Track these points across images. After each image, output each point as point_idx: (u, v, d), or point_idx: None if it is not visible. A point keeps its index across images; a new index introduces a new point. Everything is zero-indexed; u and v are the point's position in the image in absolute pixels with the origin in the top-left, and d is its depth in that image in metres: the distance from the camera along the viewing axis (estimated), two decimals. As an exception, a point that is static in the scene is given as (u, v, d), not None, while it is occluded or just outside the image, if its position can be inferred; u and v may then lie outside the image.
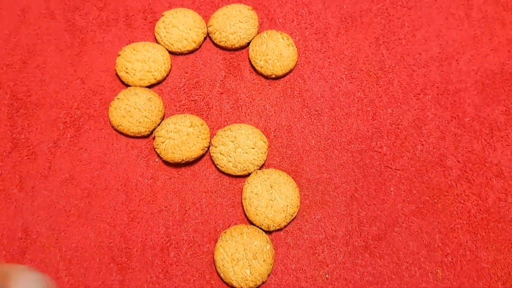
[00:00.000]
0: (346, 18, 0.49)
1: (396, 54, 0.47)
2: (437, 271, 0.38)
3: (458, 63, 0.46)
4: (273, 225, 0.40)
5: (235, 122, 0.44)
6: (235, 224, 0.40)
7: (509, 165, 0.42)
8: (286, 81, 0.46)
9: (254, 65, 0.46)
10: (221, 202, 0.41)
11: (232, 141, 0.42)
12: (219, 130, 0.43)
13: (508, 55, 0.46)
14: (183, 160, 0.42)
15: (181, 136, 0.42)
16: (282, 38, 0.47)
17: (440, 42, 0.47)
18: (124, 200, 0.42)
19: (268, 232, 0.40)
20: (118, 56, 0.47)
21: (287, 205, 0.40)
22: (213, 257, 0.39)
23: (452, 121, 0.44)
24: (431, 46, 0.47)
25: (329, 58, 0.47)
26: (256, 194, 0.40)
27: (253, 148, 0.42)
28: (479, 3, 0.49)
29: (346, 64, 0.47)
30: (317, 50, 0.48)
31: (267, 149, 0.43)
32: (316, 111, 0.45)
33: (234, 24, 0.47)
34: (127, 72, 0.46)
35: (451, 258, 0.39)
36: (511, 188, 0.41)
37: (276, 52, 0.46)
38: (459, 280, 0.38)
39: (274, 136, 0.44)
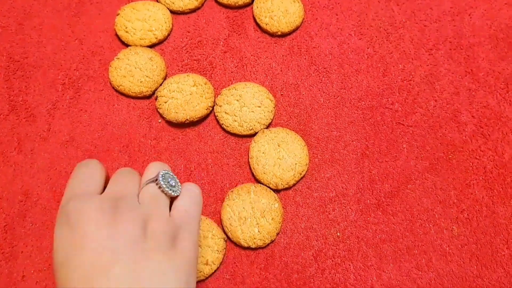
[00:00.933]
0: (354, -27, 0.47)
1: (406, 9, 0.45)
2: (452, 228, 0.37)
3: (471, 18, 0.44)
4: (281, 184, 0.38)
5: (240, 81, 0.43)
6: (242, 183, 0.39)
7: (526, 119, 0.40)
8: (293, 39, 0.45)
9: (259, 22, 0.44)
10: (228, 162, 0.40)
11: (237, 100, 0.41)
12: (224, 89, 0.42)
13: None
14: (187, 119, 0.40)
15: (184, 96, 0.41)
16: (288, -6, 0.45)
17: (452, -4, 0.45)
18: (127, 161, 0.40)
19: (277, 190, 0.39)
20: (117, 15, 0.45)
21: (296, 164, 0.39)
22: (220, 217, 0.38)
23: (466, 76, 0.42)
24: (443, 1, 0.45)
25: (337, 15, 0.45)
26: (263, 153, 0.39)
27: (259, 107, 0.40)
28: (492, -44, 0.47)
29: (355, 20, 0.45)
30: (324, 6, 0.46)
31: (274, 107, 0.41)
32: (324, 68, 0.43)
33: (237, -20, 0.45)
34: (126, 32, 0.44)
35: (467, 214, 0.37)
36: (529, 143, 0.39)
37: (281, 8, 0.44)
38: (476, 236, 0.37)
39: (281, 94, 0.42)
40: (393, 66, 0.43)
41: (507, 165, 0.39)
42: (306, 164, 0.39)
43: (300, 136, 0.40)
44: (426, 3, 0.45)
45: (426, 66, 0.43)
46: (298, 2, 0.45)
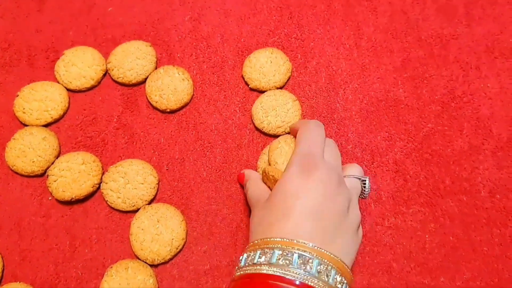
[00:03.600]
0: (243, 51, 0.51)
1: (287, 87, 0.49)
2: None
3: (345, 92, 0.49)
4: (157, 259, 0.41)
5: (129, 157, 0.46)
6: (123, 259, 0.42)
7: (388, 189, 0.44)
8: (182, 115, 0.48)
9: (150, 100, 0.48)
10: (111, 238, 0.43)
11: (122, 177, 0.44)
12: (111, 166, 0.45)
13: (394, 82, 0.49)
14: (72, 198, 0.43)
15: (73, 174, 0.44)
16: (178, 73, 0.49)
17: (329, 73, 0.50)
18: (17, 239, 0.43)
19: (154, 265, 0.41)
20: (16, 96, 0.48)
21: (173, 239, 0.42)
22: (98, 293, 0.40)
23: (335, 149, 0.46)
24: (321, 77, 0.50)
25: (224, 91, 0.49)
26: (142, 229, 0.42)
27: (142, 184, 0.44)
28: (369, 32, 0.52)
29: (240, 97, 0.49)
30: (213, 83, 0.50)
31: (157, 184, 0.44)
32: (209, 143, 0.47)
33: (132, 60, 0.49)
34: (24, 112, 0.47)
35: (328, 283, 0.41)
36: (388, 212, 0.43)
37: (171, 86, 0.48)
38: None
39: (167, 169, 0.46)
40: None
41: (367, 234, 0.42)
42: (183, 239, 0.42)
43: (181, 210, 0.44)
44: (306, 79, 0.49)
45: (301, 140, 0.46)
46: (188, 80, 0.49)
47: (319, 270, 0.29)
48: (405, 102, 0.48)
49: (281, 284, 0.29)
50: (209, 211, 0.44)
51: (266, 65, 0.49)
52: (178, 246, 0.42)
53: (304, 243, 0.30)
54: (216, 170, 0.45)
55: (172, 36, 0.52)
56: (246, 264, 0.31)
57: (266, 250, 0.31)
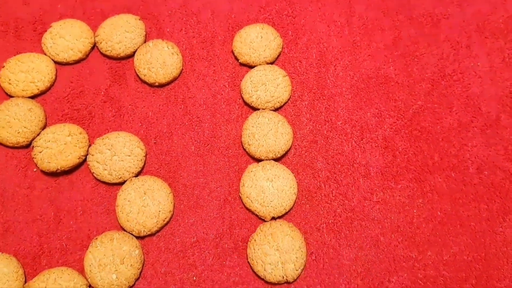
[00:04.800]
0: (233, 27, 0.51)
1: (277, 63, 0.49)
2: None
3: (335, 69, 0.48)
4: (143, 230, 0.41)
5: (117, 130, 0.45)
6: (109, 230, 0.41)
7: (377, 165, 0.44)
8: (170, 89, 0.48)
9: (138, 74, 0.47)
10: (96, 210, 0.42)
11: (109, 149, 0.43)
12: (97, 139, 0.44)
13: (384, 60, 0.49)
14: (58, 169, 0.42)
15: (59, 146, 0.43)
16: (167, 47, 0.48)
17: (320, 49, 0.49)
18: (0, 210, 0.42)
19: (140, 237, 0.41)
20: (2, 67, 0.47)
21: (159, 211, 0.41)
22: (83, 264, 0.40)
23: (325, 124, 0.46)
24: (312, 54, 0.49)
25: (214, 66, 0.49)
26: (128, 201, 0.41)
27: (129, 156, 0.43)
28: (360, 10, 0.51)
29: (230, 72, 0.48)
30: (203, 58, 0.49)
31: (144, 156, 0.44)
32: (197, 117, 0.46)
33: (120, 33, 0.48)
34: (10, 83, 0.46)
35: (315, 257, 0.41)
36: (376, 187, 0.43)
37: (160, 60, 0.47)
38: (321, 277, 0.40)
39: (154, 143, 0.45)
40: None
41: (355, 209, 0.42)
42: (170, 211, 0.42)
43: (169, 183, 0.43)
44: (296, 56, 0.49)
45: (290, 116, 0.46)
46: (177, 54, 0.48)
47: None
48: (395, 80, 0.48)
49: None
50: (196, 184, 0.43)
51: (256, 40, 0.48)
52: (165, 218, 0.41)
53: None
54: (204, 144, 0.45)
55: (162, 10, 0.52)
56: None
57: None
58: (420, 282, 0.40)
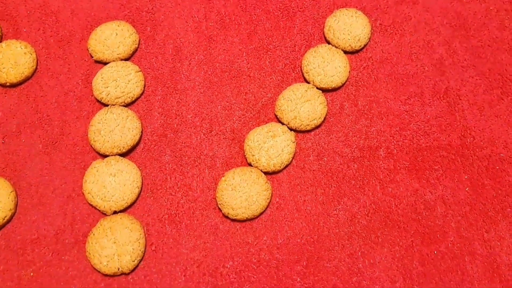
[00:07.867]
0: (92, 25, 0.51)
1: (133, 59, 0.50)
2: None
3: (190, 63, 0.49)
4: (-20, 230, 0.41)
5: (-37, 132, 0.45)
6: None
7: (223, 156, 0.45)
8: (23, 89, 0.48)
9: (-11, 75, 0.47)
10: None
11: (-50, 151, 0.43)
12: None
13: (239, 54, 0.50)
14: None
15: None
16: (20, 47, 0.48)
17: (176, 45, 0.50)
18: None
19: (-22, 237, 0.41)
20: None
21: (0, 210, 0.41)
22: None
23: (175, 118, 0.47)
24: (168, 49, 0.50)
25: (69, 65, 0.49)
26: (-34, 201, 0.41)
27: (-30, 157, 0.43)
28: (219, 5, 0.53)
29: (85, 69, 0.49)
30: (58, 57, 0.49)
31: (-13, 156, 0.44)
32: (48, 116, 0.47)
33: (-29, 35, 0.48)
34: None
35: (155, 247, 0.42)
36: (220, 177, 0.44)
37: (11, 60, 0.47)
38: (159, 267, 0.41)
39: (3, 143, 0.45)
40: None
41: (198, 199, 0.44)
42: (11, 210, 0.42)
43: (13, 182, 0.43)
44: (153, 52, 0.50)
45: (142, 111, 0.47)
46: (30, 54, 0.48)
47: None
48: (247, 73, 0.49)
49: None
50: (41, 182, 0.44)
51: (111, 37, 0.49)
52: (5, 216, 0.42)
53: None
54: (52, 142, 0.45)
55: (21, 11, 0.52)
56: None
57: None
58: (254, 266, 0.41)
